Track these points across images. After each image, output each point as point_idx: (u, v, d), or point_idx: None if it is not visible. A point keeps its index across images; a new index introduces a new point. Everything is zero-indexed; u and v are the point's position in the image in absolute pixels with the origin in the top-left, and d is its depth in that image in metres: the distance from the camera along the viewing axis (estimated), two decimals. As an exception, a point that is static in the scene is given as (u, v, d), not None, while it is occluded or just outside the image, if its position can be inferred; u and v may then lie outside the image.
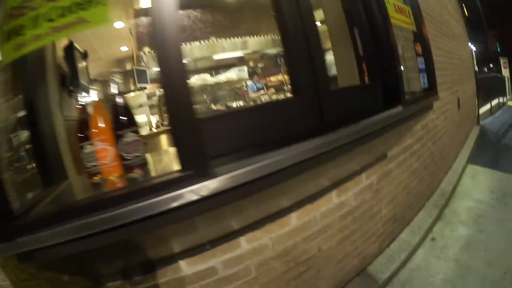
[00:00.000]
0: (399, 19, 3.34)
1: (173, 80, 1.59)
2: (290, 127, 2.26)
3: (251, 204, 2.12)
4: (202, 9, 7.51)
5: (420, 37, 3.81)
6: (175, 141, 1.61)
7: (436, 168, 4.52)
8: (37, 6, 1.70)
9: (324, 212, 2.67)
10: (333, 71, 3.39)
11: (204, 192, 1.57)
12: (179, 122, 1.61)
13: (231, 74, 7.41)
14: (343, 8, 3.25)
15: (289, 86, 2.60)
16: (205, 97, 7.54)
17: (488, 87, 14.64)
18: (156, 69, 6.49)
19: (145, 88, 6.73)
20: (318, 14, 3.15)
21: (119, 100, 1.90)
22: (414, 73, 3.69)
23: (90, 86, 3.94)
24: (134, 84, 6.43)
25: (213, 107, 7.28)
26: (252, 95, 7.41)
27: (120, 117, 1.86)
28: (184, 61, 1.65)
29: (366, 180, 2.94)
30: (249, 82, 7.57)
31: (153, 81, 6.92)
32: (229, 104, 7.28)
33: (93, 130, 1.85)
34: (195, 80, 7.02)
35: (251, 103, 7.04)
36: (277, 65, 8.16)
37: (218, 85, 7.36)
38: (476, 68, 13.19)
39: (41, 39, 1.69)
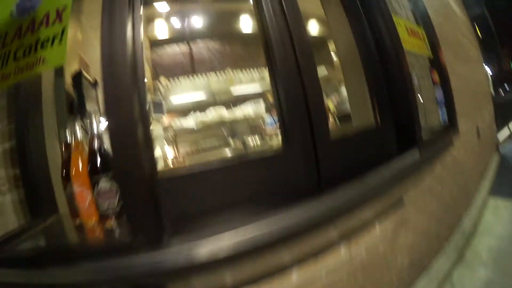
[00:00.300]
0: (413, 43, 3.04)
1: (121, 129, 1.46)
2: (279, 187, 2.06)
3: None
4: (221, 40, 7.34)
5: (436, 63, 3.52)
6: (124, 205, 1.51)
7: (457, 205, 4.16)
8: (8, 42, 1.75)
9: (330, 268, 2.29)
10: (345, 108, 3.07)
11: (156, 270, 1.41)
12: (130, 185, 1.48)
13: (248, 108, 7.20)
14: (354, 36, 2.95)
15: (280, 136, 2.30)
16: (223, 131, 7.34)
17: (506, 110, 14.19)
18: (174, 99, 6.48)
19: (161, 119, 6.52)
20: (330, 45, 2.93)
21: (95, 141, 1.84)
22: (431, 104, 3.43)
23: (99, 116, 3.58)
24: (150, 115, 6.04)
25: (231, 141, 7.10)
26: (270, 130, 7.13)
27: (94, 161, 1.79)
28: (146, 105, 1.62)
29: (380, 229, 2.59)
30: (267, 117, 7.31)
31: (168, 112, 6.83)
32: (245, 138, 7.01)
33: (72, 170, 1.79)
34: (210, 114, 6.80)
35: (268, 140, 6.86)
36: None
37: (234, 119, 7.11)
38: (492, 91, 12.80)
39: (8, 79, 1.72)
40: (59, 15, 1.73)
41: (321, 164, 2.13)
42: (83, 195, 1.75)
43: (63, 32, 1.69)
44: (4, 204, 2.03)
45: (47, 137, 2.24)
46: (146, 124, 1.56)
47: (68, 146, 1.94)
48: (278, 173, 2.06)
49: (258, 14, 2.25)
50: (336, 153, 2.25)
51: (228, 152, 6.54)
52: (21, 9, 1.83)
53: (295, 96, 2.13)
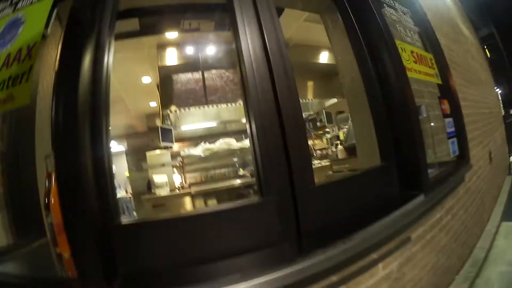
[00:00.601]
0: (420, 71, 2.79)
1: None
2: (253, 243, 1.76)
3: None
4: (234, 69, 7.04)
5: (447, 91, 3.23)
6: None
7: (468, 236, 3.84)
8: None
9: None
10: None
11: None
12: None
13: None
14: (358, 67, 2.68)
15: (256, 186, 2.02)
16: (234, 161, 7.21)
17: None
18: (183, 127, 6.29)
19: (170, 147, 6.46)
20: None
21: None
22: (441, 136, 3.15)
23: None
24: (159, 142, 6.11)
25: (241, 171, 6.96)
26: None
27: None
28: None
29: (383, 270, 2.26)
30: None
31: (178, 140, 6.77)
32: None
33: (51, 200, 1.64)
34: (220, 144, 6.64)
35: None
36: (308, 130, 7.70)
37: (245, 149, 6.93)
38: (503, 112, 12.46)
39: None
40: (29, 51, 1.70)
41: (302, 216, 1.83)
42: (59, 226, 1.59)
43: (30, 69, 1.65)
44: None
45: (38, 161, 2.04)
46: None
47: (50, 175, 1.77)
48: (253, 227, 1.78)
49: (236, 47, 2.02)
50: (321, 201, 1.94)
51: (237, 182, 6.37)
52: (1, 42, 1.83)
53: (272, 136, 1.86)
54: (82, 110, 1.48)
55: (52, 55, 1.66)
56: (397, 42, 2.63)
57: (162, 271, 1.57)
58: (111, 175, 1.62)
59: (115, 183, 12.09)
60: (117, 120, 8.58)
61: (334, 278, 1.86)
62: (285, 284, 1.51)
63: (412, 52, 2.79)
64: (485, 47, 10.23)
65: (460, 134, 3.24)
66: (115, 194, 1.73)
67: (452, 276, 3.25)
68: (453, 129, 3.16)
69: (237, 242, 1.72)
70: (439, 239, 2.92)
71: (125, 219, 1.70)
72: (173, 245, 1.64)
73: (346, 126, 6.87)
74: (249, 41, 1.93)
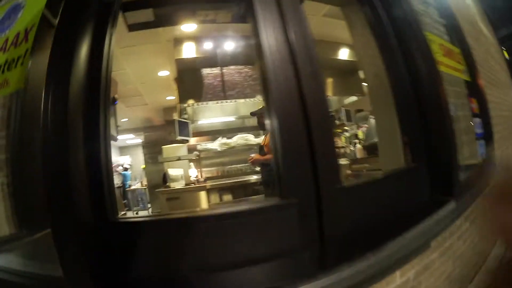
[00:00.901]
0: (449, 65, 2.58)
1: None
2: (262, 253, 1.55)
3: None
4: (253, 66, 6.98)
5: (474, 89, 3.00)
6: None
7: (483, 243, 3.62)
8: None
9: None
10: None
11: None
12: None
13: None
14: (384, 62, 2.49)
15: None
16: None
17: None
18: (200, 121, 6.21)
19: (187, 141, 6.37)
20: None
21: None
22: (470, 138, 2.95)
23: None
24: (175, 135, 6.06)
25: (257, 168, 6.62)
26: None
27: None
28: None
29: (400, 278, 2.07)
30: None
31: (195, 134, 6.69)
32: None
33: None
34: (237, 139, 6.56)
35: None
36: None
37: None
38: None
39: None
40: (26, 34, 1.64)
41: (326, 221, 1.63)
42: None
43: (26, 53, 1.60)
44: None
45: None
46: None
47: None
48: (270, 232, 1.59)
49: (256, 39, 1.81)
50: (348, 204, 1.75)
51: (253, 177, 6.26)
52: (0, 28, 1.79)
53: (296, 132, 1.65)
54: (75, 102, 1.33)
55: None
56: (427, 34, 2.44)
57: (161, 280, 1.43)
58: (108, 170, 1.49)
59: (128, 175, 12.09)
60: (134, 113, 8.59)
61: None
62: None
63: (441, 44, 2.59)
64: (503, 48, 9.82)
65: (487, 134, 3.05)
66: (113, 189, 1.58)
67: (466, 285, 3.09)
68: (481, 130, 2.96)
69: (250, 250, 1.53)
70: (457, 247, 2.75)
71: (123, 216, 1.57)
72: (177, 249, 1.48)
73: (366, 125, 6.66)
74: (269, 34, 1.74)
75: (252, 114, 5.01)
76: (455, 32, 3.16)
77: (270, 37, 1.72)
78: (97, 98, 1.50)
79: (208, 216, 1.59)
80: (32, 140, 1.82)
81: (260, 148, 4.88)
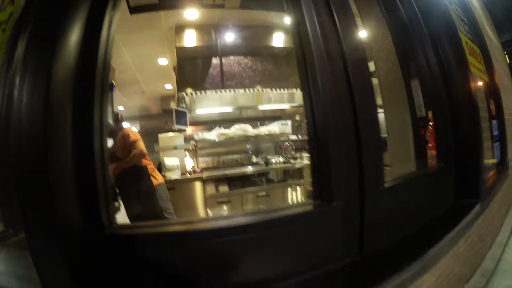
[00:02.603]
0: (474, 64, 2.52)
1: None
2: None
3: None
4: (253, 57, 7.00)
5: (492, 90, 2.88)
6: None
7: (482, 244, 3.53)
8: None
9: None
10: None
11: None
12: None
13: (274, 127, 6.69)
14: (398, 56, 2.38)
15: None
16: (247, 147, 6.96)
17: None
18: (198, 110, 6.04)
19: (184, 130, 6.26)
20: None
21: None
22: (488, 140, 2.78)
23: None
24: (173, 124, 5.91)
25: (254, 158, 6.74)
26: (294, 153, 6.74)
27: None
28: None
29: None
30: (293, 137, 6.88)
31: (192, 124, 6.58)
32: (269, 157, 6.60)
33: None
34: (235, 130, 6.38)
35: (292, 161, 6.40)
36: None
37: (260, 136, 6.62)
38: None
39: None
40: None
41: (368, 233, 1.47)
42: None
43: (10, 17, 1.38)
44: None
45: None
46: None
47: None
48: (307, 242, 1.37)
49: (295, 15, 1.59)
50: (386, 206, 1.58)
51: (249, 169, 6.14)
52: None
53: (342, 130, 1.45)
54: (60, 89, 1.08)
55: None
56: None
57: None
58: (103, 173, 1.23)
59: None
60: (130, 101, 8.45)
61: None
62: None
63: (466, 43, 2.42)
64: (505, 52, 9.75)
65: (502, 138, 2.93)
66: (110, 196, 1.31)
67: (462, 285, 2.96)
68: (497, 132, 2.81)
69: (281, 264, 1.33)
70: (457, 247, 2.61)
71: (119, 227, 1.30)
72: (193, 269, 1.24)
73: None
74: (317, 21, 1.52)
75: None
76: (475, 32, 3.07)
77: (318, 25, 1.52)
78: (90, 85, 1.24)
79: (231, 228, 1.30)
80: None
81: (112, 155, 4.16)
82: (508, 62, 9.82)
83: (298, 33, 1.56)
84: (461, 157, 2.12)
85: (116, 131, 4.23)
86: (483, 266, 3.49)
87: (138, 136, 4.29)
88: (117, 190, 4.02)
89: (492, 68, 2.98)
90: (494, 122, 2.84)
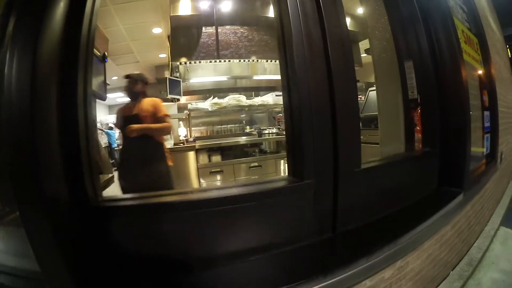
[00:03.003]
0: (469, 53, 2.51)
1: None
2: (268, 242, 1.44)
3: None
4: (249, 27, 6.90)
5: (487, 81, 2.89)
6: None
7: (470, 232, 3.64)
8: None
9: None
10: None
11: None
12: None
13: (268, 98, 6.69)
14: (393, 36, 2.38)
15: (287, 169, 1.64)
16: (241, 117, 7.10)
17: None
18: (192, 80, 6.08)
19: (177, 99, 6.23)
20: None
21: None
22: (478, 131, 2.90)
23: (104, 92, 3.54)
24: (166, 94, 5.90)
25: (248, 129, 6.88)
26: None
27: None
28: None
29: None
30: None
31: (186, 93, 6.58)
32: (263, 128, 6.66)
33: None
34: (229, 100, 6.37)
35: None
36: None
37: (253, 107, 6.63)
38: None
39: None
40: None
41: (341, 213, 1.54)
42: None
43: None
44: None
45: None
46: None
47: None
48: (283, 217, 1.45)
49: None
50: (363, 189, 1.65)
51: (242, 139, 6.19)
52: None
53: (319, 107, 1.49)
54: (46, 60, 1.09)
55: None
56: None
57: (156, 275, 1.27)
58: (87, 146, 1.27)
59: (113, 134, 11.93)
60: (124, 71, 8.37)
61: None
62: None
63: (463, 31, 2.44)
64: (508, 46, 9.64)
65: (493, 129, 3.02)
66: (95, 169, 1.36)
67: (448, 271, 3.09)
68: (489, 123, 2.88)
69: (255, 237, 1.41)
70: (444, 232, 2.69)
71: (108, 199, 1.36)
72: (176, 238, 1.33)
73: (360, 96, 6.52)
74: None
75: (127, 77, 4.02)
76: (474, 20, 3.05)
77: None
78: (75, 55, 1.27)
79: (212, 200, 1.37)
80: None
81: (133, 116, 3.76)
82: (510, 56, 9.79)
83: (279, 10, 1.58)
84: (446, 144, 2.14)
85: (137, 94, 3.94)
86: (469, 254, 3.55)
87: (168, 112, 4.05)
88: (122, 156, 3.89)
89: (489, 59, 2.97)
90: (487, 113, 2.88)
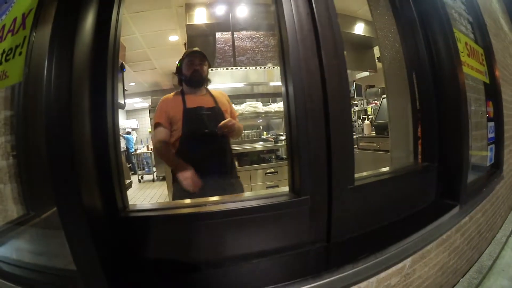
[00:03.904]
0: (472, 66, 2.53)
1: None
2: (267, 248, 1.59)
3: None
4: (265, 31, 6.96)
5: (492, 92, 2.93)
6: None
7: (480, 240, 3.65)
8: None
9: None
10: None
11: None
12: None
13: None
14: (402, 46, 2.42)
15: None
16: (258, 123, 7.21)
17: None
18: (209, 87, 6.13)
19: None
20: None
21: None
22: (481, 142, 2.93)
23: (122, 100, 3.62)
24: None
25: (265, 135, 7.02)
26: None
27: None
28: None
29: (396, 264, 2.08)
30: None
31: None
32: (279, 134, 6.81)
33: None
34: (246, 106, 6.62)
35: None
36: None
37: (270, 113, 6.84)
38: None
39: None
40: (24, 20, 1.50)
41: (335, 220, 1.66)
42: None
43: (24, 41, 1.46)
44: (4, 194, 1.82)
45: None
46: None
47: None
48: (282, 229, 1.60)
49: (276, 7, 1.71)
50: (357, 204, 1.75)
51: (260, 144, 6.33)
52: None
53: (315, 132, 1.60)
54: (80, 72, 1.24)
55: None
56: (454, 30, 2.32)
57: (169, 276, 1.42)
58: (117, 158, 1.41)
59: (131, 139, 12.13)
60: (142, 77, 8.57)
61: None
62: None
63: (466, 44, 2.50)
64: None
65: (498, 140, 3.03)
66: (123, 180, 1.50)
67: (458, 278, 3.11)
68: (493, 134, 2.93)
69: (259, 243, 1.56)
70: (454, 240, 2.75)
71: (133, 210, 1.51)
72: (187, 243, 1.48)
73: (375, 102, 6.59)
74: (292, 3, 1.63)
75: (194, 54, 2.97)
76: (479, 30, 3.07)
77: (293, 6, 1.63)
78: (104, 66, 1.41)
79: (219, 212, 1.52)
80: (36, 120, 1.69)
81: (214, 109, 2.89)
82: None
83: (277, 18, 1.70)
84: (445, 157, 2.21)
85: (204, 80, 2.93)
86: (480, 261, 3.56)
87: None
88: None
89: (494, 69, 3.00)
90: (491, 124, 2.92)
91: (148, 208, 1.53)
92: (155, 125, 2.81)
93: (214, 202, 1.70)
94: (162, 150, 2.78)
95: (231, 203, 1.59)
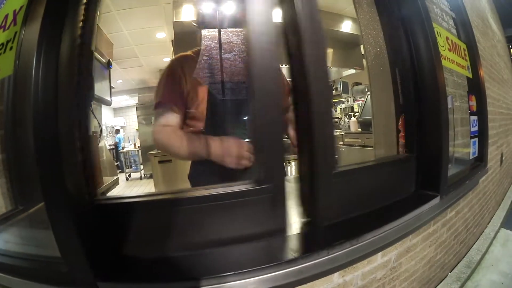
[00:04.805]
0: (453, 60, 2.60)
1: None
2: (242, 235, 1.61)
3: None
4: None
5: (475, 87, 3.01)
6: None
7: (468, 234, 3.74)
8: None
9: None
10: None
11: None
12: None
13: None
14: (385, 42, 2.50)
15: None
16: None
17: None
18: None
19: None
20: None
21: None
22: (464, 135, 2.99)
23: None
24: None
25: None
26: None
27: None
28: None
29: (382, 258, 2.14)
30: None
31: None
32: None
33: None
34: None
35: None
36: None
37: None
38: None
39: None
40: (15, 17, 1.56)
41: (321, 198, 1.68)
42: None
43: (14, 36, 1.52)
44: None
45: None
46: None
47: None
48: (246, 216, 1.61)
49: None
50: (339, 190, 1.78)
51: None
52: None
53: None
54: (65, 69, 1.31)
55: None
56: (434, 25, 2.39)
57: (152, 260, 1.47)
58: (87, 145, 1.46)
59: (121, 138, 12.19)
60: (129, 75, 8.58)
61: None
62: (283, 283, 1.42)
63: (447, 38, 2.57)
64: (510, 46, 9.68)
65: (481, 134, 3.09)
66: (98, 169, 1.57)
67: (446, 272, 3.20)
68: (476, 128, 3.00)
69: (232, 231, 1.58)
70: (440, 234, 2.83)
71: (106, 197, 1.57)
72: (159, 229, 1.52)
73: (362, 99, 6.68)
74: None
75: None
76: (463, 27, 3.13)
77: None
78: (87, 60, 1.49)
79: (191, 198, 1.55)
80: (24, 115, 1.73)
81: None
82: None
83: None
84: (425, 149, 2.26)
85: None
86: (468, 256, 3.66)
87: None
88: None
89: (478, 65, 3.10)
90: (474, 118, 2.98)
91: (120, 196, 1.58)
92: (158, 106, 2.02)
93: (185, 190, 1.73)
94: (171, 139, 1.95)
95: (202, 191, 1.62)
